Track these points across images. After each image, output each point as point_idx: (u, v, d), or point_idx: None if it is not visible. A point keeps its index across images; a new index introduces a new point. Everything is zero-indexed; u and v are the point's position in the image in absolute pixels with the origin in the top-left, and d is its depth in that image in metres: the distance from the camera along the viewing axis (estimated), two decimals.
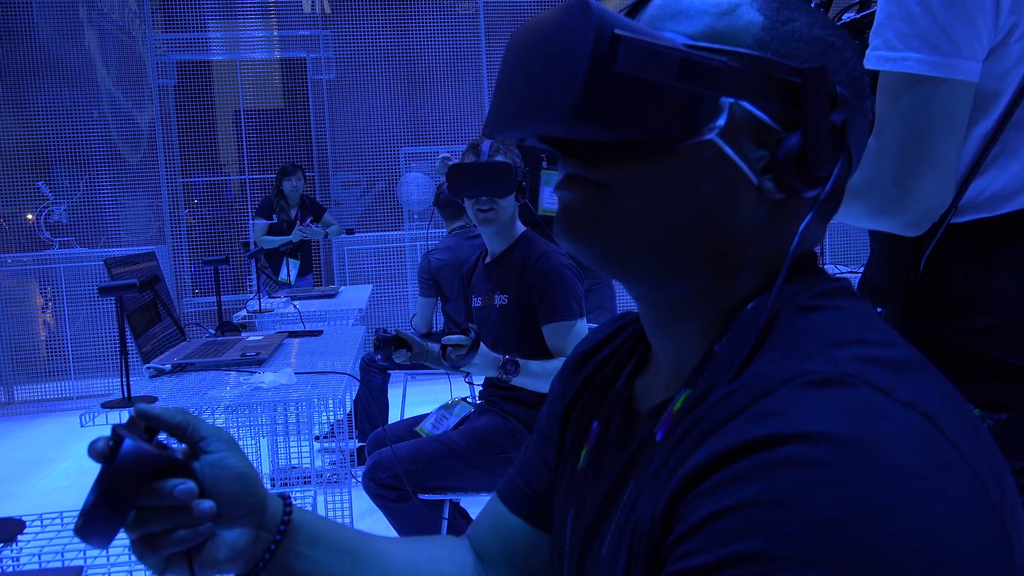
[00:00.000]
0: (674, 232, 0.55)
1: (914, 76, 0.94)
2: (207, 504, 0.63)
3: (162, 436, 0.68)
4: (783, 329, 0.53)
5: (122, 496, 0.60)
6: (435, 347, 2.30)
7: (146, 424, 0.66)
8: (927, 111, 0.94)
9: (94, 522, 0.60)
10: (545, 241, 2.29)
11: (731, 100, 0.53)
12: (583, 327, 2.17)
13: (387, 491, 2.21)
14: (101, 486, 0.60)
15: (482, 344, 2.06)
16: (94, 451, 0.62)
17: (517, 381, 2.12)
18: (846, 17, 1.33)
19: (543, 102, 0.51)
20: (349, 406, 3.74)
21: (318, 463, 3.80)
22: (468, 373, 2.18)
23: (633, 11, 0.58)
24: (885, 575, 0.40)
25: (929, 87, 0.93)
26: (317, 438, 3.91)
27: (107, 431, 0.64)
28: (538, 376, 2.13)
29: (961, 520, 0.42)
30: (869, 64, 0.97)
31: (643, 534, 0.51)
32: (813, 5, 1.51)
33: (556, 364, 2.15)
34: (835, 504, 0.41)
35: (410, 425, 2.53)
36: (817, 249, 0.63)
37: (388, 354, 2.19)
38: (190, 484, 0.63)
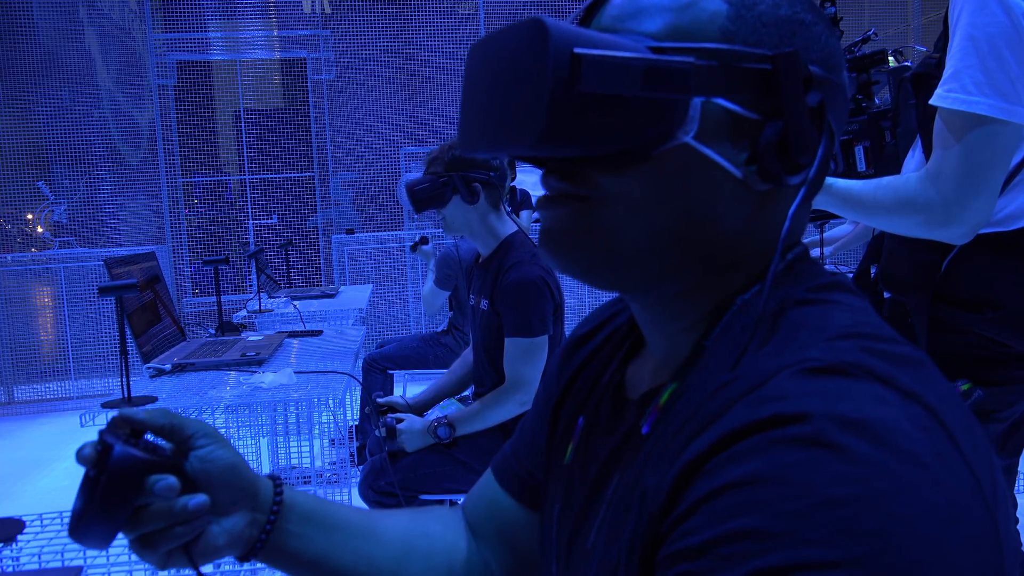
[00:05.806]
0: (662, 237, 0.55)
1: (983, 117, 1.10)
2: (200, 498, 0.64)
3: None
4: (780, 323, 0.52)
5: (117, 501, 0.60)
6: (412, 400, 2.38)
7: (131, 427, 0.66)
8: (991, 146, 1.11)
9: (90, 526, 0.60)
10: (526, 249, 2.23)
11: (703, 99, 0.52)
12: (543, 345, 2.15)
13: (386, 498, 2.20)
14: (95, 492, 0.60)
15: (409, 419, 2.19)
16: (82, 457, 0.62)
17: (464, 430, 2.17)
18: (859, 51, 1.58)
19: (513, 128, 0.50)
20: (354, 414, 3.73)
21: (318, 463, 3.80)
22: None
23: (591, 11, 0.57)
24: (881, 558, 0.39)
25: (995, 127, 1.10)
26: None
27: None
28: (476, 417, 2.18)
29: (956, 511, 0.42)
30: (944, 103, 1.13)
31: (640, 530, 0.50)
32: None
33: (483, 407, 2.20)
34: (835, 483, 0.41)
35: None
36: (816, 251, 0.62)
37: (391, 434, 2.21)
38: (170, 479, 0.63)
